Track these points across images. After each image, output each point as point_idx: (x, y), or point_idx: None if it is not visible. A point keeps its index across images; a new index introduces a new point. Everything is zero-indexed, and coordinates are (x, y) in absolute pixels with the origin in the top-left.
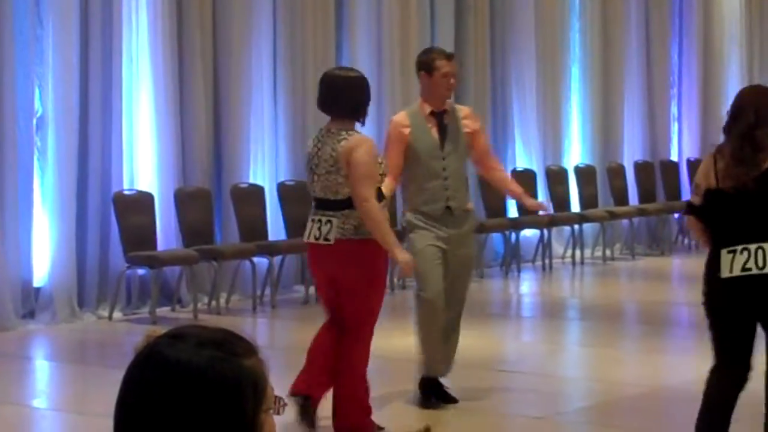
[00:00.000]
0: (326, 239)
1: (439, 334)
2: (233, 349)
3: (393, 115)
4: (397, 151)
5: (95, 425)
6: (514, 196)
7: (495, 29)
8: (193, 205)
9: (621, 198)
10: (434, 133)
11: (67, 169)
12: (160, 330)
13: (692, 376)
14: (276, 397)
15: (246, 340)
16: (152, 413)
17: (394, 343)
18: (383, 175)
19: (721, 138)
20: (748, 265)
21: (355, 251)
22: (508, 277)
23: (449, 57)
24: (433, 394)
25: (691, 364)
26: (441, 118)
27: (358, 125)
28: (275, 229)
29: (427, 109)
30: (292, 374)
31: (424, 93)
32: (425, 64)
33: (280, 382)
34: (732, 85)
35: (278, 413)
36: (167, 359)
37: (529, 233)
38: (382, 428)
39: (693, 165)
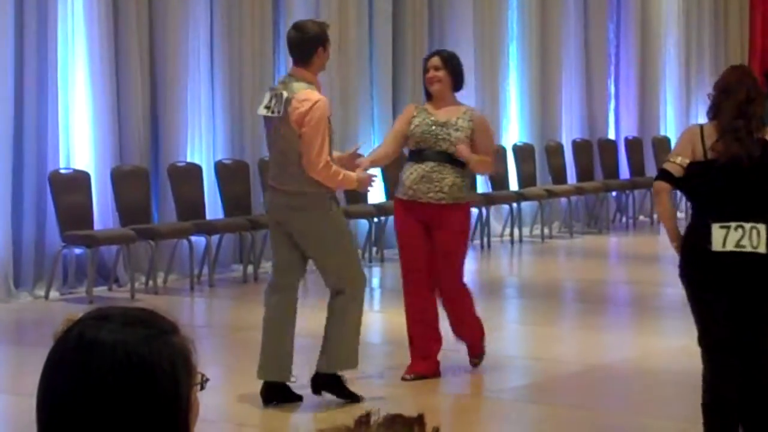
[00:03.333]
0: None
1: None
2: (162, 326)
3: (329, 94)
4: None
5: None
6: None
7: (433, 8)
8: (130, 184)
9: (559, 176)
10: None
11: (2, 148)
12: (79, 314)
13: (629, 354)
14: (199, 373)
15: (168, 318)
16: (86, 398)
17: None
18: None
19: (661, 115)
20: (742, 242)
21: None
22: None
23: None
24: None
25: (628, 341)
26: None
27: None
28: (213, 208)
29: (319, 84)
30: (228, 353)
31: (316, 67)
32: (322, 39)
33: (217, 360)
34: (669, 64)
35: (202, 388)
36: (98, 341)
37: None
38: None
39: (631, 143)
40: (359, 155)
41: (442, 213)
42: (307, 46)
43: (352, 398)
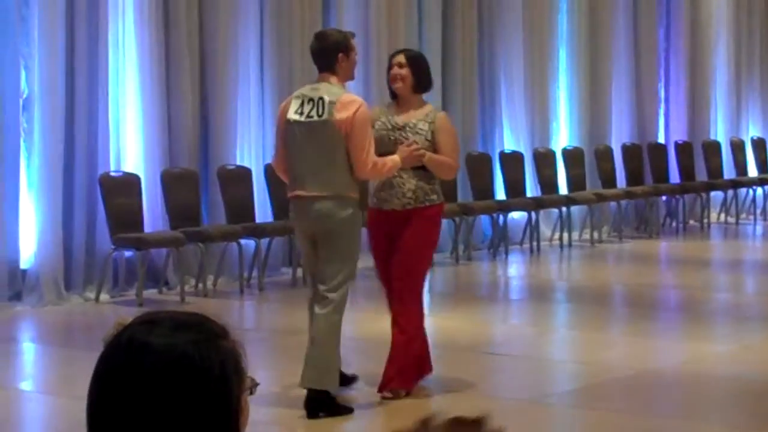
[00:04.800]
0: None
1: None
2: (211, 330)
3: (379, 102)
4: None
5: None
6: None
7: (482, 11)
8: (179, 187)
9: (609, 180)
10: None
11: (53, 151)
12: (129, 318)
13: (679, 359)
14: (249, 377)
15: (218, 322)
16: (137, 402)
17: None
18: None
19: (712, 119)
20: None
21: None
22: (495, 259)
23: (354, 35)
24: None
25: (678, 347)
26: None
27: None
28: (262, 211)
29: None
30: (278, 356)
31: (343, 73)
32: (343, 45)
33: (266, 364)
34: (719, 68)
35: (252, 393)
36: (149, 345)
37: (517, 215)
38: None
39: (681, 147)
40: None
41: (407, 219)
42: (328, 53)
43: (345, 412)
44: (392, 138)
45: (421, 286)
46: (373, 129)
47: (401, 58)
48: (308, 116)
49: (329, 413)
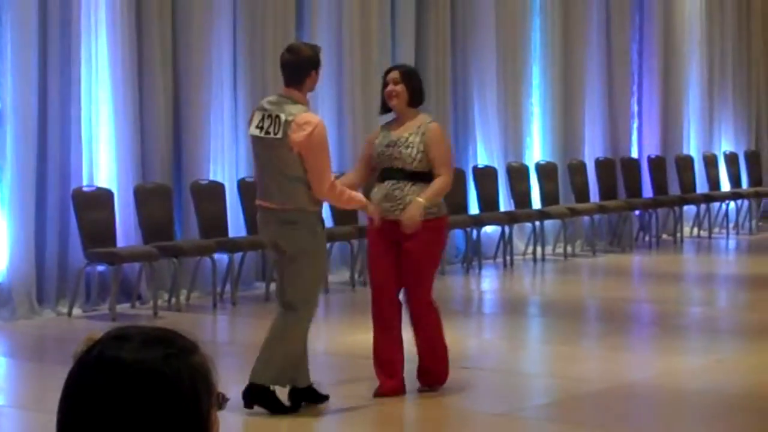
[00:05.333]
0: None
1: None
2: (182, 345)
3: (351, 117)
4: None
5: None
6: None
7: (456, 27)
8: (152, 202)
9: (582, 195)
10: None
11: (25, 165)
12: (99, 333)
13: (653, 373)
14: (218, 392)
15: (188, 337)
16: (106, 418)
17: (355, 340)
18: None
19: (684, 134)
20: None
21: None
22: (469, 273)
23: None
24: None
25: (651, 360)
26: None
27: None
28: (235, 225)
29: (308, 104)
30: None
31: (308, 89)
32: (315, 61)
33: (239, 378)
34: (692, 83)
35: (221, 408)
36: (119, 360)
37: (490, 230)
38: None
39: (653, 162)
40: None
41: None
42: (302, 68)
43: (285, 410)
44: (389, 154)
45: (431, 291)
46: (370, 145)
47: (396, 75)
48: (266, 132)
49: (265, 407)
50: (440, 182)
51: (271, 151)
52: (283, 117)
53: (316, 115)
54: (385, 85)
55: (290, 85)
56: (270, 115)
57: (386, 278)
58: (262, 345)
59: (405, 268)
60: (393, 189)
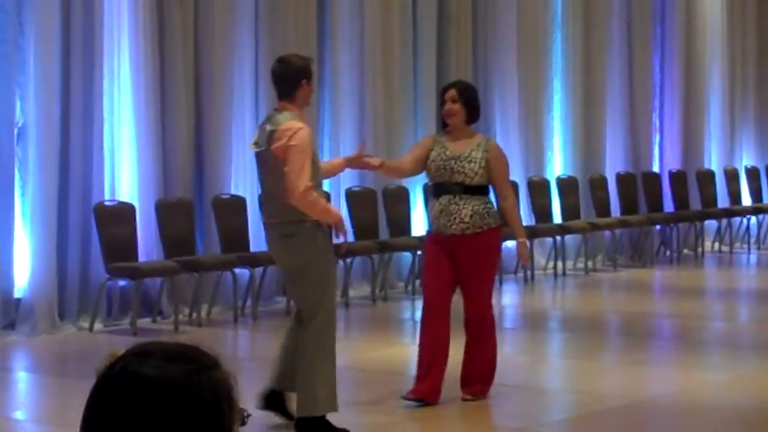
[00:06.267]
0: None
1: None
2: (203, 361)
3: (373, 131)
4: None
5: None
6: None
7: (477, 41)
8: (174, 216)
9: (603, 209)
10: None
11: (48, 180)
12: (122, 349)
13: (673, 389)
14: (240, 408)
15: (209, 352)
16: None
17: (376, 356)
18: None
19: (706, 148)
20: None
21: None
22: None
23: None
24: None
25: (672, 376)
26: None
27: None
28: (257, 239)
29: (303, 116)
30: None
31: (301, 100)
32: (305, 72)
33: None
34: (713, 96)
35: (244, 424)
36: (142, 377)
37: (511, 244)
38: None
39: (675, 176)
40: (367, 155)
41: (467, 242)
42: (291, 79)
43: None
44: (450, 167)
45: (491, 303)
46: (425, 150)
47: (454, 93)
48: (259, 146)
49: None
50: (514, 207)
51: (264, 165)
52: (268, 128)
53: (305, 124)
54: (442, 103)
55: (282, 98)
56: (262, 129)
57: (439, 287)
58: (298, 375)
59: (463, 278)
60: (449, 204)
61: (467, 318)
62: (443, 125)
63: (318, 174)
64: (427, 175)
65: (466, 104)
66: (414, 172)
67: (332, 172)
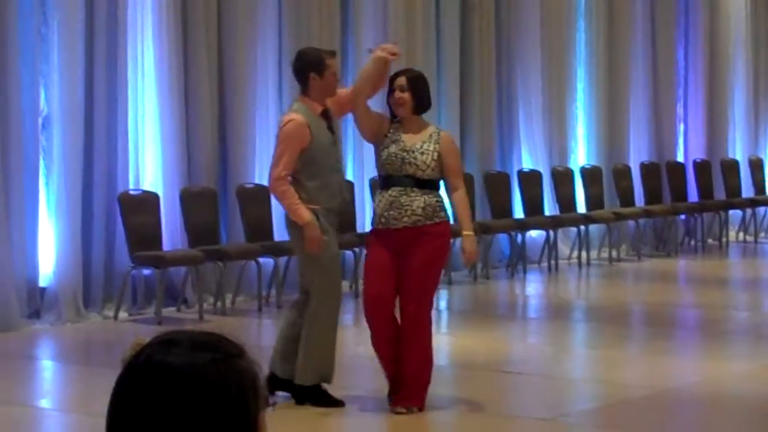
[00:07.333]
0: None
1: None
2: (229, 349)
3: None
4: (298, 150)
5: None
6: None
7: (500, 30)
8: (198, 205)
9: (627, 199)
10: (327, 130)
11: (72, 169)
12: (147, 338)
13: (698, 379)
14: (265, 395)
15: (234, 341)
16: (155, 422)
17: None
18: None
19: (730, 137)
20: None
21: None
22: (514, 278)
23: (334, 54)
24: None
25: (696, 366)
26: (327, 115)
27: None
28: (281, 229)
29: (318, 108)
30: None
31: (315, 93)
32: (315, 65)
33: None
34: (738, 86)
35: (269, 411)
36: (168, 365)
37: (535, 234)
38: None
39: (699, 166)
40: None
41: (418, 235)
42: (300, 72)
43: (336, 404)
44: (401, 158)
45: (432, 305)
46: (381, 125)
47: (402, 81)
48: None
49: (318, 405)
50: (465, 199)
51: None
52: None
53: (302, 116)
54: (391, 91)
55: (302, 91)
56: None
57: (382, 291)
58: (301, 346)
59: (406, 280)
60: (399, 195)
61: (405, 318)
62: (391, 114)
63: (320, 169)
64: (376, 162)
65: (414, 93)
66: (367, 111)
67: (374, 77)
